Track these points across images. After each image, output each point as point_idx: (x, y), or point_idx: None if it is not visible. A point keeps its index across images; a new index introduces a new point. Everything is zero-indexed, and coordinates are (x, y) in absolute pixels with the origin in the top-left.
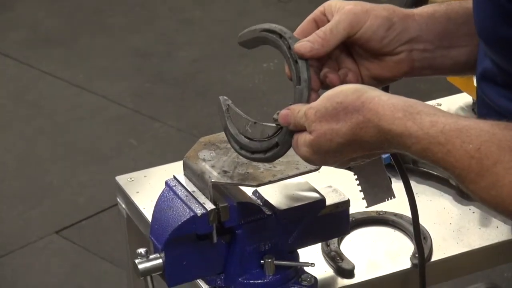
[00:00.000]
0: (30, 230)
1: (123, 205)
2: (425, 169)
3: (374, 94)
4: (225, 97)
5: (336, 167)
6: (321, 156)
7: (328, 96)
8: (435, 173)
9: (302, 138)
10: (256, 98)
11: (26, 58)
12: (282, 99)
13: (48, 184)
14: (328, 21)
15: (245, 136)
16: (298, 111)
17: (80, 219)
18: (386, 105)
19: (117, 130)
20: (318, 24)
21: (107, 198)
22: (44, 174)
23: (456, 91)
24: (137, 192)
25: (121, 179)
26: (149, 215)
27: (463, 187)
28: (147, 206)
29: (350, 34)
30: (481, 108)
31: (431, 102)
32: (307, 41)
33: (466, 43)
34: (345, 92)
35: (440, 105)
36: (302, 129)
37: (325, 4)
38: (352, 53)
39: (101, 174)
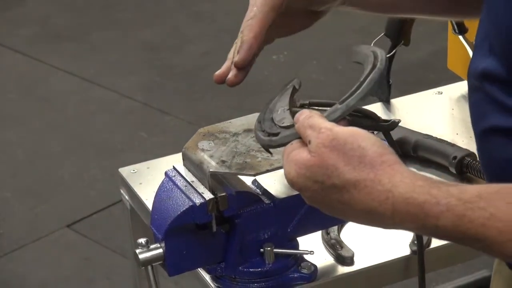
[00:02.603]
0: (41, 224)
1: (127, 197)
2: (425, 156)
3: (396, 160)
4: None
5: (306, 200)
6: (305, 183)
7: (354, 133)
8: (435, 160)
9: (299, 154)
10: (265, 90)
11: (36, 53)
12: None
13: (59, 178)
14: None
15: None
16: (318, 121)
17: (91, 213)
18: (406, 173)
19: (127, 124)
20: None
21: (118, 192)
22: (55, 169)
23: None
24: (140, 184)
25: (124, 171)
26: (151, 206)
27: (506, 258)
28: (149, 197)
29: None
30: (485, 106)
31: (434, 90)
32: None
33: None
34: (373, 141)
35: (441, 93)
36: (302, 141)
37: None
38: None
39: (112, 167)
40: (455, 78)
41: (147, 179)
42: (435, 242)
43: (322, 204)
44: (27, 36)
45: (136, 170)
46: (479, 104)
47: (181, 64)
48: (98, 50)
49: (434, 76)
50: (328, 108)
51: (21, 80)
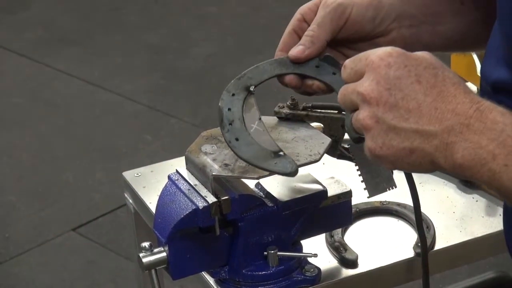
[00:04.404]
0: (46, 227)
1: (130, 200)
2: None
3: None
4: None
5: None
6: (387, 86)
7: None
8: None
9: (362, 81)
10: (270, 94)
11: (41, 57)
12: (297, 95)
13: (64, 181)
14: (309, 25)
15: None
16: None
17: (97, 216)
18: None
19: (132, 127)
20: (298, 33)
21: (122, 195)
22: (60, 172)
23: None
24: (144, 187)
25: (128, 175)
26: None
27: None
28: (153, 201)
29: (339, 24)
30: None
31: None
32: (298, 45)
33: (450, 20)
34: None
35: None
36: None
37: (300, 11)
38: (342, 50)
39: (117, 171)
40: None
41: (151, 183)
42: (439, 244)
43: (408, 80)
44: (31, 39)
45: (140, 174)
46: None
47: (186, 67)
48: (103, 54)
49: None
50: (332, 111)
51: (26, 84)
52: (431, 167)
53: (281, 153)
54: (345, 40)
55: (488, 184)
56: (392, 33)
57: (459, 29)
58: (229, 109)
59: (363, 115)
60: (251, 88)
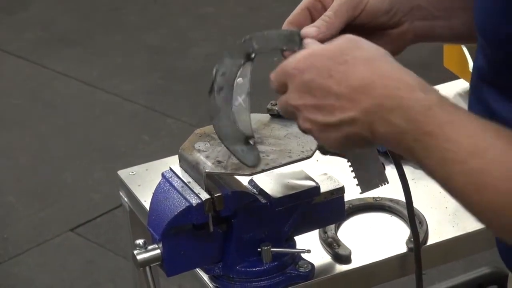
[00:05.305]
0: (45, 228)
1: (126, 199)
2: None
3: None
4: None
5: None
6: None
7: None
8: None
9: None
10: (267, 92)
11: (41, 57)
12: None
13: (63, 182)
14: (323, 6)
15: None
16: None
17: (95, 216)
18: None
19: (131, 127)
20: (311, 12)
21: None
22: (59, 172)
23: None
24: (139, 186)
25: (123, 173)
26: None
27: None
28: (148, 199)
29: (354, 14)
30: (473, 107)
31: None
32: (313, 26)
33: (462, 15)
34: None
35: (438, 91)
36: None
37: None
38: (354, 34)
39: (115, 171)
40: (456, 77)
41: (145, 181)
42: (432, 240)
43: (325, 72)
44: (31, 40)
45: (134, 172)
46: (475, 103)
47: (185, 67)
48: (103, 54)
49: (435, 74)
50: None
51: (26, 84)
52: (370, 142)
53: (252, 141)
54: (358, 26)
55: (415, 163)
56: (404, 25)
57: (471, 24)
58: (223, 74)
59: (300, 122)
60: (253, 55)
